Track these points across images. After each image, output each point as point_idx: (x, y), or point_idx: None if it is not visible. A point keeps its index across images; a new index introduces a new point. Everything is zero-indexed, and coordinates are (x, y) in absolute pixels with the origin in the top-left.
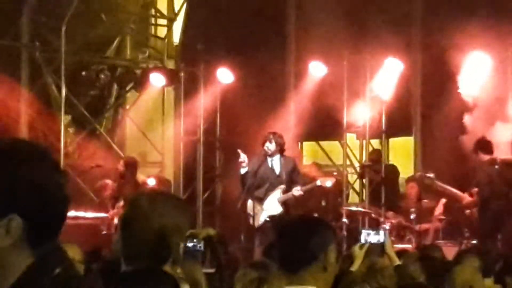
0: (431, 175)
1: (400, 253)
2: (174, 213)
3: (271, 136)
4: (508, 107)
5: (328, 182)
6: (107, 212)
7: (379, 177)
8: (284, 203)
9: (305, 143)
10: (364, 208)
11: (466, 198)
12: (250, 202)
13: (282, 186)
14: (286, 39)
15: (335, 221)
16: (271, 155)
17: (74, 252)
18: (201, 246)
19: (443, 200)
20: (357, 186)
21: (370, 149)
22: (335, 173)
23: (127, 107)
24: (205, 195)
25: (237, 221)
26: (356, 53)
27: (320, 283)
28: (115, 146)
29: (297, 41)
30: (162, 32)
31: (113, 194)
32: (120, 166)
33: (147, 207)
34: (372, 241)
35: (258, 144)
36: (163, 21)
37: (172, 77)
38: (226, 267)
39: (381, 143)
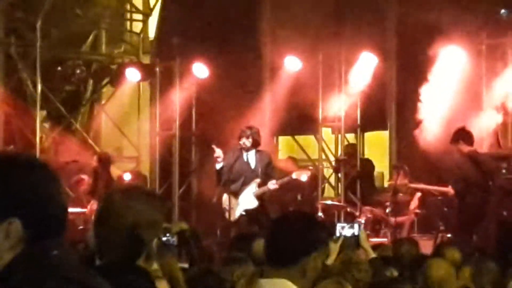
0: (405, 180)
1: (376, 247)
2: (148, 208)
3: (248, 131)
4: (482, 100)
5: (304, 176)
6: (83, 207)
7: (355, 171)
8: (259, 197)
9: (281, 138)
10: (339, 202)
11: (450, 191)
12: (225, 197)
13: (257, 180)
14: (261, 34)
15: None
16: (247, 150)
17: None
18: (174, 240)
19: (418, 194)
20: (332, 180)
21: (346, 143)
22: (310, 168)
23: (103, 102)
24: (181, 190)
25: (213, 215)
26: (331, 48)
27: (299, 283)
28: (91, 141)
29: (272, 35)
30: (137, 27)
31: (89, 189)
32: (94, 161)
33: (120, 202)
34: (347, 235)
35: (234, 139)
36: (139, 16)
37: (147, 72)
38: (201, 261)
39: (356, 137)
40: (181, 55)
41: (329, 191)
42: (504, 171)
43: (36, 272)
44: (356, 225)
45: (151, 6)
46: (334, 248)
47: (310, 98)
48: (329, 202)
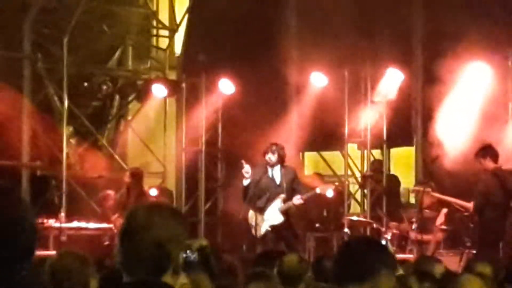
0: (428, 189)
1: (401, 263)
2: (171, 224)
3: (273, 147)
4: (508, 116)
5: (329, 190)
6: (109, 223)
7: (381, 187)
8: (285, 213)
9: (307, 154)
10: (365, 218)
11: (472, 206)
12: (251, 213)
13: (282, 196)
14: (287, 50)
15: (336, 231)
16: (272, 166)
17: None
18: (195, 257)
19: (445, 210)
20: (358, 196)
21: (372, 159)
22: (336, 183)
23: (129, 118)
24: (207, 206)
25: (239, 231)
26: (356, 64)
27: None
28: (117, 157)
29: (297, 52)
30: (163, 43)
31: (115, 205)
32: (126, 177)
33: (144, 219)
34: None
35: (259, 155)
36: (165, 32)
37: (173, 87)
38: (223, 278)
39: (382, 153)
40: (207, 71)
41: (355, 207)
42: None
43: None
44: (382, 241)
45: (177, 22)
46: None
47: (335, 114)
48: (355, 218)
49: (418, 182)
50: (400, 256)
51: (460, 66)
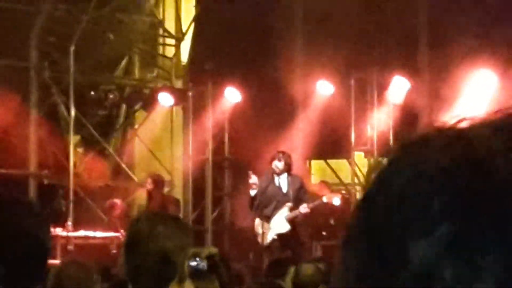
0: None
1: None
2: (175, 231)
3: (280, 155)
4: None
5: (336, 199)
6: (116, 231)
7: None
8: (291, 221)
9: (313, 162)
10: None
11: None
12: (257, 221)
13: (289, 204)
14: (294, 58)
15: None
16: (279, 174)
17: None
18: (204, 265)
19: None
20: None
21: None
22: (343, 192)
23: (136, 126)
24: (214, 214)
25: (246, 240)
26: (363, 72)
27: None
28: (124, 166)
29: (304, 60)
30: (170, 51)
31: (122, 214)
32: (148, 184)
33: (147, 228)
34: None
35: (266, 163)
36: (171, 41)
37: (180, 96)
38: (231, 286)
39: None
40: (213, 80)
41: None
42: None
43: None
44: None
45: (184, 30)
46: None
47: (342, 122)
48: None
49: None
50: None
51: (467, 74)
